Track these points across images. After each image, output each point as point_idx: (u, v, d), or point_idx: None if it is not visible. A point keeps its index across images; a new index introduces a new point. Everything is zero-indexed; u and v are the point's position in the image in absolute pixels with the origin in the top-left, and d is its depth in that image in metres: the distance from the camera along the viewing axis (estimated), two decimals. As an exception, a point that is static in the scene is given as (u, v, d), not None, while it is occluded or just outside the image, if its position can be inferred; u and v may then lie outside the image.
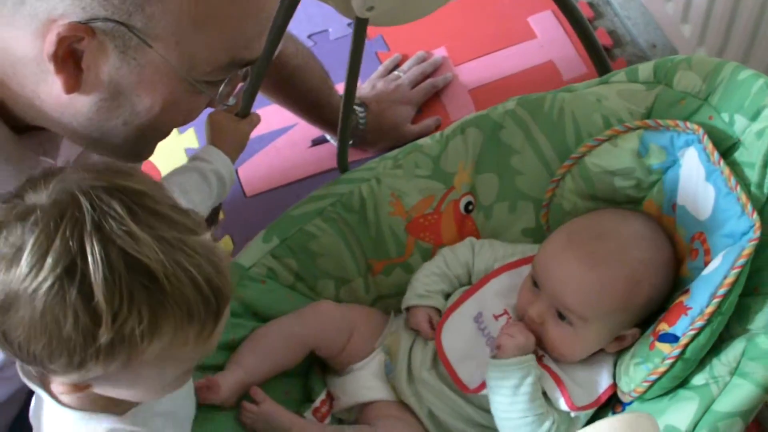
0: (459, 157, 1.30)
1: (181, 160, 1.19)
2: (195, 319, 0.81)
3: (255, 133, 1.73)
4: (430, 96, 1.80)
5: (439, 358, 1.20)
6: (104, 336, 0.77)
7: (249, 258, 1.25)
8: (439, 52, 1.87)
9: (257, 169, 1.75)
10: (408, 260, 1.31)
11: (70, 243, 0.76)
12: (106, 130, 0.95)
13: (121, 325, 0.78)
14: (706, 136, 1.12)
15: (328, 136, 1.76)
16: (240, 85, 1.00)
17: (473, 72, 1.84)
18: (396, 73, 1.81)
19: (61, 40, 0.85)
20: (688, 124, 1.15)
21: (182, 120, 1.00)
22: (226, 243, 1.65)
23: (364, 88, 1.77)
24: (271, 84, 1.54)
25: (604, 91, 1.25)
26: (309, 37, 1.88)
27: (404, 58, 1.86)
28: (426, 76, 1.82)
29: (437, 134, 1.32)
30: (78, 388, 0.85)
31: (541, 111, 1.28)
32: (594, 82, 1.27)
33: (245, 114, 1.25)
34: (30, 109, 0.94)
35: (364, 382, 1.23)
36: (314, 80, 1.59)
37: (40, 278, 0.76)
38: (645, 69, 1.23)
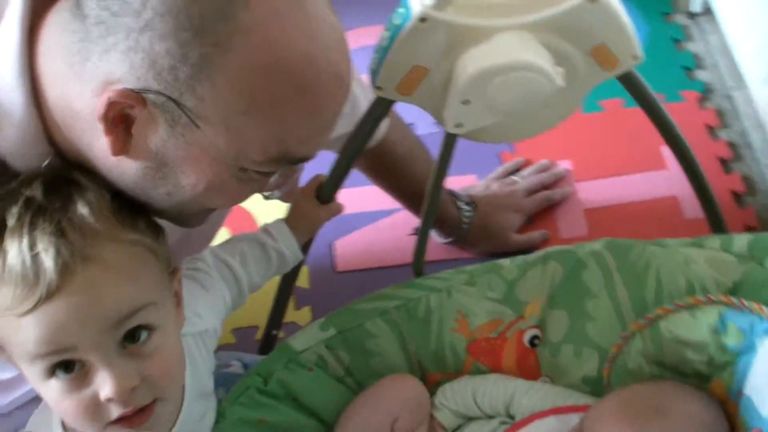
0: (535, 287, 1.25)
1: (280, 214, 1.22)
2: None
3: (358, 210, 1.69)
4: (544, 208, 1.73)
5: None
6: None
7: (301, 342, 1.24)
8: (564, 164, 1.80)
9: (353, 246, 1.73)
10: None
11: None
12: (151, 196, 0.95)
13: None
14: (788, 330, 1.04)
15: None
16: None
17: (593, 191, 1.76)
18: (514, 177, 1.75)
19: (111, 104, 0.86)
20: (773, 313, 1.06)
21: (228, 202, 1.00)
22: (304, 314, 1.64)
23: (478, 186, 1.73)
24: (374, 170, 1.53)
25: (694, 254, 1.18)
26: (398, 128, 1.87)
27: (527, 163, 1.80)
28: (544, 187, 1.74)
29: (519, 258, 1.28)
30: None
31: (627, 259, 1.22)
32: (687, 241, 1.20)
33: (327, 200, 1.23)
34: (86, 162, 0.95)
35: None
36: (419, 170, 1.53)
37: None
38: (740, 241, 1.16)
